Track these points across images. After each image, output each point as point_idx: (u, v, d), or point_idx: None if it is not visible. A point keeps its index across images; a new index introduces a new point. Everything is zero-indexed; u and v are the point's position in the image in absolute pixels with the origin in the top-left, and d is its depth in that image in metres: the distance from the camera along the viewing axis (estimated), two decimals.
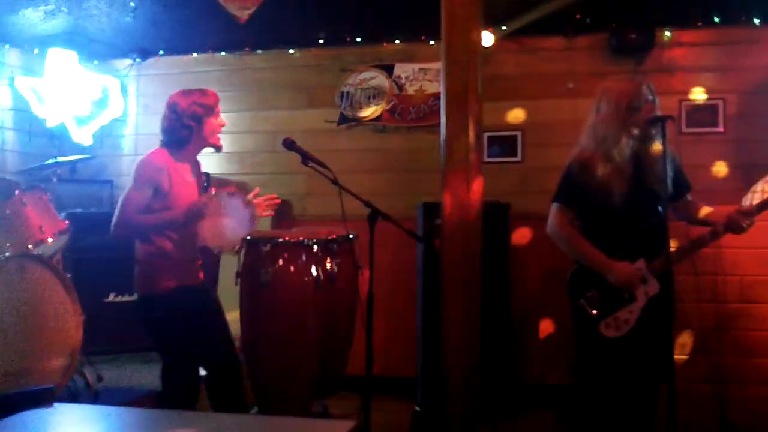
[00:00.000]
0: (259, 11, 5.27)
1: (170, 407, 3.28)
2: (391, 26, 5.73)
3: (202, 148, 3.73)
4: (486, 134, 5.28)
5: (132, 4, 5.50)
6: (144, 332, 3.60)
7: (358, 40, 5.86)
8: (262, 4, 5.22)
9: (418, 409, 4.92)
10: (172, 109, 3.62)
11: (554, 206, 3.55)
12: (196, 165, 3.79)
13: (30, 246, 4.00)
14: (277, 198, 3.81)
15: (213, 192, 3.58)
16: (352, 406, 4.08)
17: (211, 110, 3.65)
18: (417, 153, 5.64)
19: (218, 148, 3.73)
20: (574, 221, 3.54)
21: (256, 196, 3.71)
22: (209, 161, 4.79)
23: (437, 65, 4.97)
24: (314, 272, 4.03)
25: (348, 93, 5.95)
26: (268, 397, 4.09)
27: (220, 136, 3.72)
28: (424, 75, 5.79)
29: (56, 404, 2.15)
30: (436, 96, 5.49)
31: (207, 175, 4.14)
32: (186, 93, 3.66)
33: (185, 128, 3.60)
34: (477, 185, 3.90)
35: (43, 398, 2.16)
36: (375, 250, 3.40)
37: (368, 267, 3.47)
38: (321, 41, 5.95)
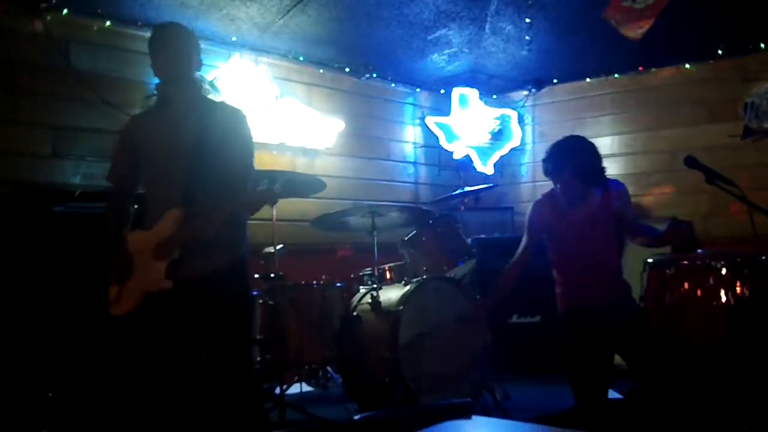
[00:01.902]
0: (652, 29, 5.17)
1: (583, 427, 3.31)
2: None
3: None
4: None
5: (527, 37, 5.75)
6: (549, 353, 3.71)
7: (763, 46, 5.47)
8: (656, 21, 5.13)
9: None
10: None
11: None
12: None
13: (444, 269, 4.37)
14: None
15: None
16: None
17: None
18: None
19: None
20: None
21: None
22: None
23: None
24: (724, 297, 3.79)
25: (753, 104, 5.56)
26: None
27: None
28: None
29: (474, 417, 2.28)
30: None
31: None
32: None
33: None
34: None
35: (462, 410, 2.31)
36: None
37: None
38: (720, 52, 5.65)
